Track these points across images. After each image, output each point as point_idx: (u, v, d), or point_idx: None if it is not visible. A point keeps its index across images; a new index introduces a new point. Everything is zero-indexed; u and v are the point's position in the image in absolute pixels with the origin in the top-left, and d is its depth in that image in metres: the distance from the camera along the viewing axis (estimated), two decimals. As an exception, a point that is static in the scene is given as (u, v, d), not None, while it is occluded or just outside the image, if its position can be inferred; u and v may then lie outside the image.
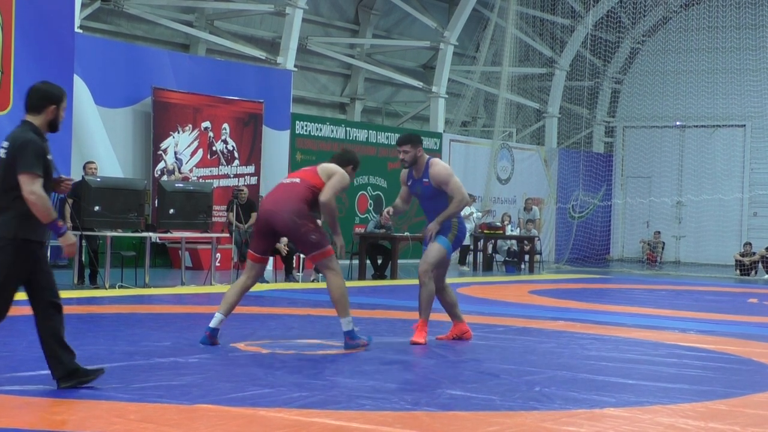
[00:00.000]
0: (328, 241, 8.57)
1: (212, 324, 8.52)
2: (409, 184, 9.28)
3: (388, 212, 9.29)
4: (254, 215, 17.70)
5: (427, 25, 26.65)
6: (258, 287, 14.73)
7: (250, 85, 21.06)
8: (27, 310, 11.46)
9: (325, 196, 8.44)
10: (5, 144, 6.16)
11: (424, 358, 8.34)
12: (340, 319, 8.50)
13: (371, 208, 24.03)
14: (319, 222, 8.77)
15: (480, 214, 24.37)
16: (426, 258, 9.07)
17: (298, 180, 8.60)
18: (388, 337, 9.59)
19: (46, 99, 6.30)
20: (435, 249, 9.07)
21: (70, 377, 6.24)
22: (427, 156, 9.22)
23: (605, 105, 32.24)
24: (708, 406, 6.55)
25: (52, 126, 6.37)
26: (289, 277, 16.69)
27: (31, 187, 6.02)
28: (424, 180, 9.11)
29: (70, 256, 6.13)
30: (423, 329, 9.13)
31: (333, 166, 8.67)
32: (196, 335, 8.84)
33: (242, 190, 18.19)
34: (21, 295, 12.66)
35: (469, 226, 23.77)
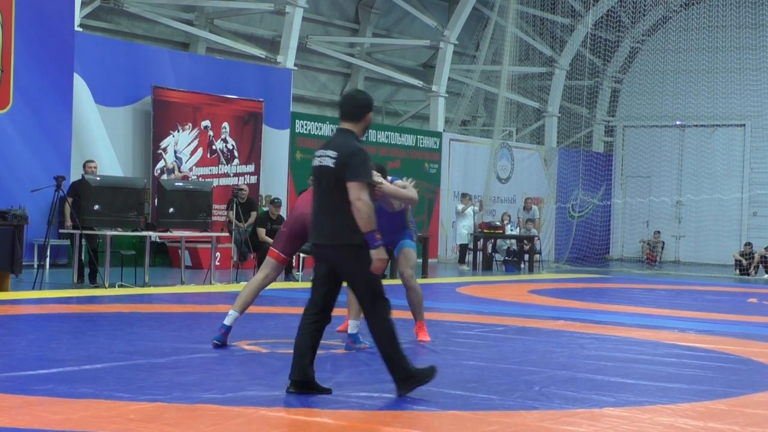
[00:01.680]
0: None
1: (227, 321, 8.46)
2: None
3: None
4: (254, 214, 17.75)
5: (427, 24, 26.65)
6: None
7: (250, 84, 21.06)
8: (26, 310, 11.50)
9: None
10: (332, 153, 6.29)
11: (423, 358, 8.35)
12: (349, 320, 8.56)
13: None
14: None
15: (476, 208, 24.34)
16: (408, 263, 9.31)
17: None
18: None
19: (365, 107, 6.47)
20: (413, 254, 9.40)
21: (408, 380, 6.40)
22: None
23: (605, 104, 32.25)
24: (707, 405, 6.56)
25: (365, 132, 6.52)
26: (288, 276, 16.69)
27: (359, 194, 6.19)
28: None
29: (378, 272, 6.29)
30: (424, 328, 9.35)
31: None
32: (196, 334, 8.85)
33: (243, 189, 18.21)
34: (13, 294, 12.66)
35: (467, 223, 23.77)
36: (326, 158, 6.32)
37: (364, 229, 6.22)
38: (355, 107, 6.43)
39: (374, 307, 6.32)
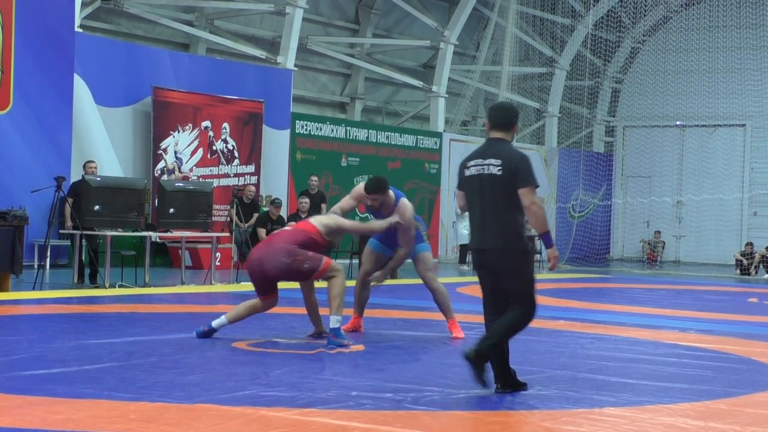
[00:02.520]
0: (322, 257, 8.66)
1: (215, 324, 8.80)
2: (366, 214, 9.54)
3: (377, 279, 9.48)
4: (255, 215, 17.78)
5: (428, 25, 26.66)
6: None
7: (250, 85, 21.07)
8: (27, 310, 11.48)
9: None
10: (495, 162, 6.57)
11: (424, 358, 8.35)
12: (330, 316, 8.58)
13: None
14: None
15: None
16: (426, 266, 9.51)
17: (289, 227, 9.00)
18: (389, 336, 9.60)
19: (516, 116, 6.82)
20: (428, 257, 9.57)
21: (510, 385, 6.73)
22: (395, 194, 9.32)
23: (605, 104, 32.25)
24: (708, 405, 6.56)
25: (512, 140, 6.84)
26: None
27: (533, 198, 6.53)
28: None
29: (554, 269, 6.79)
30: (457, 325, 9.61)
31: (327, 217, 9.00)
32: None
33: (242, 189, 18.25)
34: (14, 295, 12.65)
35: (468, 223, 23.76)
36: (490, 167, 6.59)
37: (541, 230, 6.59)
38: (509, 117, 6.75)
39: (519, 311, 6.62)
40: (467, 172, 6.71)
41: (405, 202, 9.34)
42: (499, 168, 6.54)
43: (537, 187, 6.55)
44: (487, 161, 6.61)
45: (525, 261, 6.62)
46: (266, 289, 8.84)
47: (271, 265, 8.56)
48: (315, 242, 8.68)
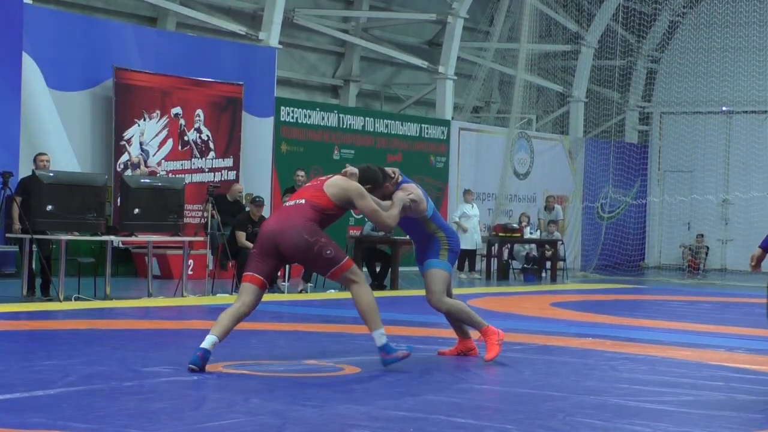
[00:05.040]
0: (345, 253, 8.70)
1: (207, 345, 8.30)
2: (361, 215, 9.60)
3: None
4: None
5: (433, -5, 26.72)
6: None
7: (228, 65, 21.09)
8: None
9: (392, 219, 8.97)
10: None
11: (429, 380, 8.35)
12: (372, 333, 8.62)
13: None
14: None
15: (469, 207, 23.85)
16: (431, 287, 9.41)
17: (303, 201, 8.65)
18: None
19: None
20: (434, 275, 9.42)
21: None
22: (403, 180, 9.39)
23: (639, 88, 32.29)
24: (759, 436, 6.57)
25: None
26: (273, 287, 16.70)
27: None
28: None
29: None
30: (492, 335, 9.56)
31: (339, 180, 8.73)
32: (165, 354, 8.84)
33: (219, 186, 18.24)
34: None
35: (472, 225, 23.39)
36: None
37: None
38: None
39: None
40: None
41: (407, 186, 9.32)
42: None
43: None
44: None
45: None
46: (266, 270, 8.56)
47: (291, 240, 8.41)
48: (330, 216, 8.65)
